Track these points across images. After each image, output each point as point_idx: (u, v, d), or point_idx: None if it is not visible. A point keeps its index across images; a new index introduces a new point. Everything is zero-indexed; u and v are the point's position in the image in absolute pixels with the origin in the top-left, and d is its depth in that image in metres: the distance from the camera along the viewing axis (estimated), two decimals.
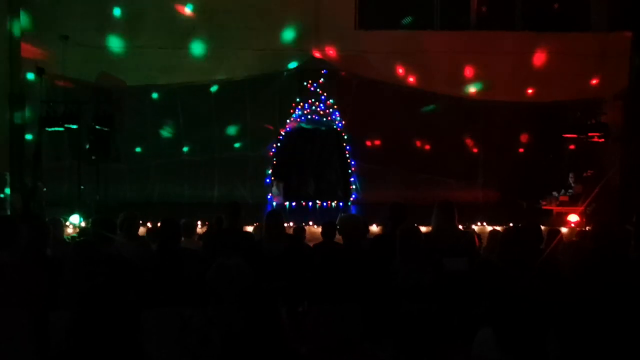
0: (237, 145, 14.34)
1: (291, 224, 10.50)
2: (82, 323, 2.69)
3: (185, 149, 14.35)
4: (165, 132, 14.38)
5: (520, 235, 5.10)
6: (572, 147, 13.99)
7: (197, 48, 14.22)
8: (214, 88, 14.22)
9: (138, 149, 14.27)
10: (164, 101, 14.26)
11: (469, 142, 14.50)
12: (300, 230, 8.52)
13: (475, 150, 14.53)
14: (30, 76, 13.39)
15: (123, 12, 14.09)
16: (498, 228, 9.38)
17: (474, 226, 11.88)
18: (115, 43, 14.02)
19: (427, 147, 14.43)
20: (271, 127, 14.20)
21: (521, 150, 14.57)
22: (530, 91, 14.43)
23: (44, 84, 13.15)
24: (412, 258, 4.94)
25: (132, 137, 14.19)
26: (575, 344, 3.49)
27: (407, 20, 14.48)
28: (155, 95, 14.24)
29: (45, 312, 3.99)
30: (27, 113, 13.51)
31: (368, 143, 14.36)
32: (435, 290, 4.83)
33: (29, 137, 13.35)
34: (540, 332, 2.88)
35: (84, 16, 13.87)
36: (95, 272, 4.22)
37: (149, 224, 10.14)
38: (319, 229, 7.09)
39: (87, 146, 13.00)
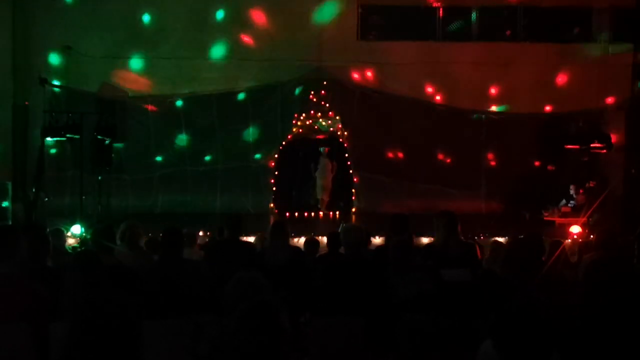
0: (239, 155, 14.34)
1: (292, 234, 10.45)
2: (82, 334, 2.67)
3: (187, 159, 14.35)
4: (168, 143, 14.41)
5: (521, 247, 5.07)
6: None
7: (199, 59, 14.25)
8: (215, 99, 14.24)
9: (141, 160, 14.27)
10: (166, 112, 14.29)
11: (471, 152, 14.49)
12: (313, 243, 8.40)
13: (477, 161, 14.51)
14: (34, 86, 13.45)
15: (125, 24, 14.14)
16: (500, 239, 9.33)
17: (475, 237, 11.82)
18: (117, 54, 14.06)
19: (430, 157, 14.42)
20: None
21: (523, 161, 14.55)
22: (532, 102, 14.43)
23: (47, 94, 13.19)
24: (407, 270, 4.96)
25: (134, 148, 14.21)
26: (579, 356, 3.46)
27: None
28: (157, 106, 14.27)
29: (45, 323, 3.97)
30: (30, 123, 13.58)
31: (370, 153, 14.34)
32: (437, 300, 4.81)
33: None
34: (543, 344, 2.85)
35: (87, 27, 13.94)
36: (95, 282, 4.20)
37: (150, 234, 10.10)
38: (320, 239, 7.08)
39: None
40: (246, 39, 14.19)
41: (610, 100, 14.02)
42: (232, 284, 3.56)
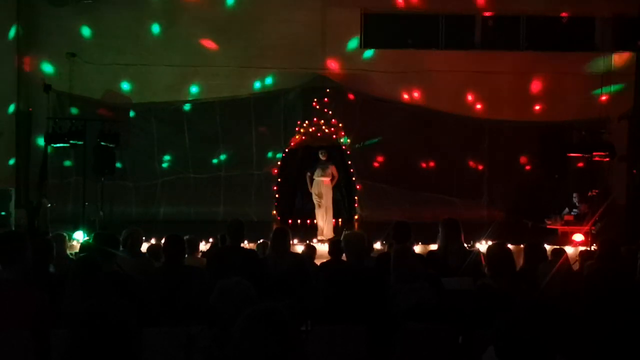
0: (242, 163, 14.34)
1: (295, 241, 10.46)
2: (83, 341, 2.67)
3: (190, 166, 14.36)
4: (171, 151, 14.42)
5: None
6: (580, 164, 13.93)
7: (203, 66, 14.28)
8: (219, 106, 14.26)
9: (143, 167, 14.29)
10: (169, 119, 14.32)
11: (473, 161, 14.48)
12: (310, 249, 8.47)
13: (480, 169, 14.51)
14: (37, 93, 13.50)
15: (129, 31, 14.18)
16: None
17: (478, 245, 11.80)
18: (121, 61, 14.10)
19: (432, 165, 14.42)
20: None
21: (526, 169, 14.55)
22: (535, 110, 14.44)
23: (51, 101, 13.23)
24: (408, 278, 4.95)
25: (137, 155, 14.24)
26: None
27: None
28: (160, 113, 14.29)
29: (47, 330, 3.97)
30: (33, 129, 13.63)
31: (373, 161, 14.35)
32: (438, 308, 4.80)
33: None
34: (545, 352, 2.84)
35: (91, 34, 13.99)
36: (95, 289, 4.20)
37: (152, 241, 10.13)
38: (323, 247, 7.08)
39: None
40: (250, 46, 14.21)
41: (613, 109, 13.98)
42: (216, 293, 3.53)
